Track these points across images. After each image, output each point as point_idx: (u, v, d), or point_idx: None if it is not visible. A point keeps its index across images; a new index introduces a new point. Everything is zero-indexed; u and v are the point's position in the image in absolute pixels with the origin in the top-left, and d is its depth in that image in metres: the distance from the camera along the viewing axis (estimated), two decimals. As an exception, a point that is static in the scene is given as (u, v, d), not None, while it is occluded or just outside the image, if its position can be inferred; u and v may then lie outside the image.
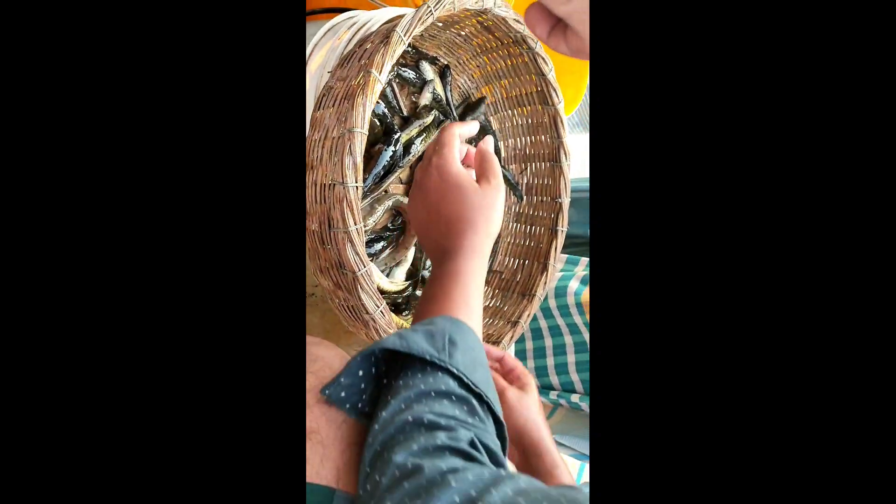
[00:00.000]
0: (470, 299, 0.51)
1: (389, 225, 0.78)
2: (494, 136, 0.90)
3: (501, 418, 0.41)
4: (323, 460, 0.37)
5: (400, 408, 0.37)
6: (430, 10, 0.61)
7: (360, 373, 0.41)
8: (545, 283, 0.85)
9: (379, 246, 0.76)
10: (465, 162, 0.63)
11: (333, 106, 0.60)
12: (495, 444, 0.39)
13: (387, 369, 0.42)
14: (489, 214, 0.56)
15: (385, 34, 0.61)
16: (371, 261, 0.75)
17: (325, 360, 0.43)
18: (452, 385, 0.39)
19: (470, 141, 0.74)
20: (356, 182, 0.56)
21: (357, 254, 0.57)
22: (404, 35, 0.59)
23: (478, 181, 0.57)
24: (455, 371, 0.40)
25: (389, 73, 0.59)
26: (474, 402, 0.39)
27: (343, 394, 0.40)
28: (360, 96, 0.56)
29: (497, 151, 0.89)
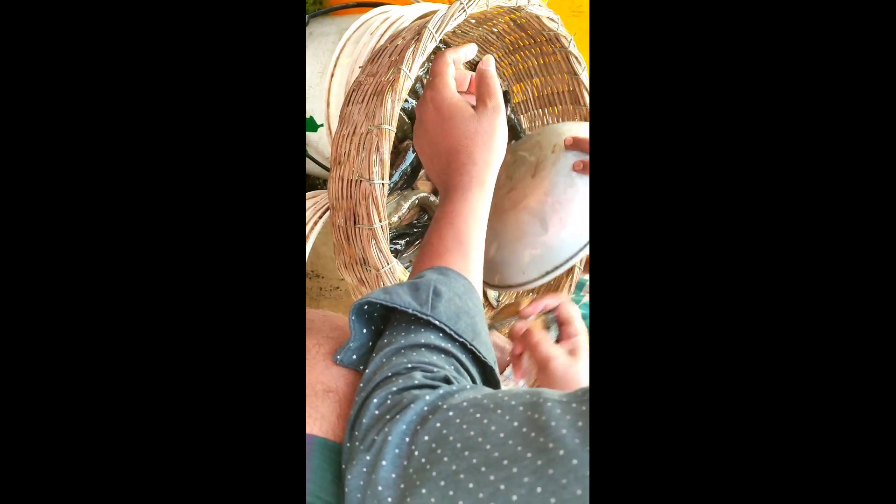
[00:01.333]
0: (465, 239, 0.49)
1: (415, 221, 0.78)
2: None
3: (489, 362, 0.41)
4: (339, 418, 0.38)
5: (381, 362, 0.38)
6: (463, 7, 0.61)
7: (364, 331, 0.42)
8: (570, 285, 0.84)
9: (404, 242, 0.76)
10: (469, 89, 0.58)
11: (362, 102, 0.60)
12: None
13: (383, 325, 0.43)
14: (487, 140, 0.51)
15: (416, 30, 0.61)
16: (396, 257, 0.75)
17: (342, 329, 0.45)
18: (433, 337, 0.39)
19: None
20: (382, 179, 0.56)
21: (381, 251, 0.57)
22: (436, 31, 0.58)
23: (476, 106, 0.53)
24: (437, 323, 0.40)
25: (420, 69, 0.58)
26: (457, 351, 0.40)
27: (354, 356, 0.41)
28: (389, 93, 0.56)
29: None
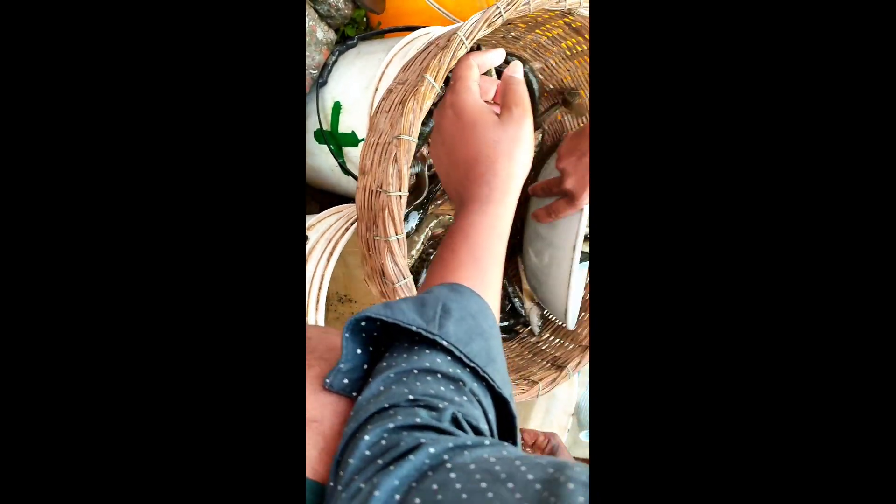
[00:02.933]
0: (481, 255, 0.44)
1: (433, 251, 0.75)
2: (528, 68, 0.78)
3: (504, 394, 0.36)
4: (321, 453, 0.33)
5: (378, 390, 0.33)
6: (500, 12, 0.58)
7: (359, 351, 0.37)
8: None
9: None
10: (494, 98, 0.54)
11: (388, 110, 0.58)
12: (487, 425, 0.34)
13: (384, 346, 0.38)
14: (511, 150, 0.47)
15: (447, 36, 0.59)
16: (425, 269, 0.72)
17: (337, 349, 0.40)
18: (440, 361, 0.35)
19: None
20: (399, 191, 0.54)
21: (397, 265, 0.55)
22: (466, 37, 0.56)
23: (500, 113, 0.48)
24: (445, 343, 0.35)
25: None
26: (466, 378, 0.35)
27: (346, 381, 0.36)
28: (411, 101, 0.54)
29: (529, 84, 0.77)
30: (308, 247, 0.79)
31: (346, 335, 0.36)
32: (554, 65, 0.81)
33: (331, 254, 0.77)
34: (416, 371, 0.34)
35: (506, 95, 0.50)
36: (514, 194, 0.47)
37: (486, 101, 0.51)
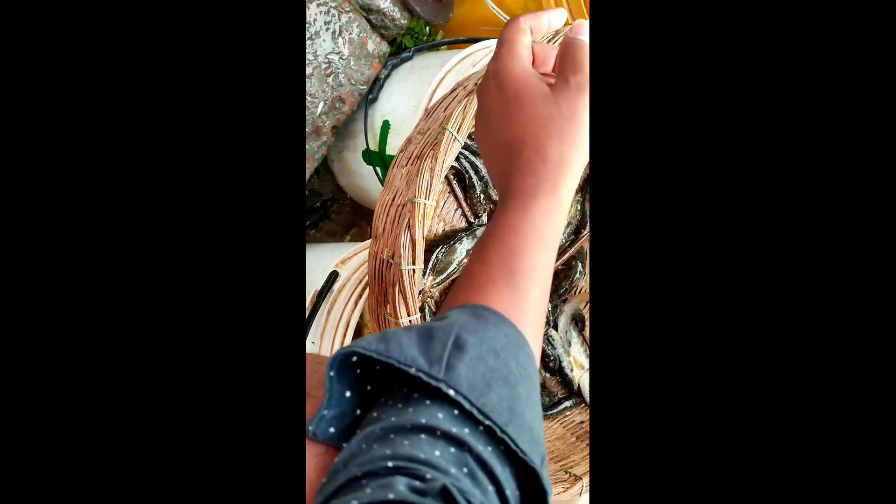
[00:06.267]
0: (518, 267, 0.35)
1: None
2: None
3: (531, 461, 0.28)
4: None
5: (359, 449, 0.27)
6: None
7: (348, 394, 0.30)
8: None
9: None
10: (554, 69, 0.42)
11: (405, 165, 0.50)
12: None
13: (384, 387, 0.31)
14: (566, 130, 0.37)
15: (479, 77, 0.49)
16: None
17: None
18: (442, 416, 0.28)
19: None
20: (413, 263, 0.46)
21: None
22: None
23: (554, 84, 0.38)
24: (452, 393, 0.28)
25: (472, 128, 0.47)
26: (476, 441, 0.28)
27: (332, 430, 0.30)
28: (428, 159, 0.45)
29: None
30: (337, 285, 0.73)
31: (331, 374, 0.29)
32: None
33: (360, 296, 0.70)
34: (408, 427, 0.27)
35: (563, 61, 0.38)
36: (567, 187, 0.37)
37: (542, 73, 0.40)
